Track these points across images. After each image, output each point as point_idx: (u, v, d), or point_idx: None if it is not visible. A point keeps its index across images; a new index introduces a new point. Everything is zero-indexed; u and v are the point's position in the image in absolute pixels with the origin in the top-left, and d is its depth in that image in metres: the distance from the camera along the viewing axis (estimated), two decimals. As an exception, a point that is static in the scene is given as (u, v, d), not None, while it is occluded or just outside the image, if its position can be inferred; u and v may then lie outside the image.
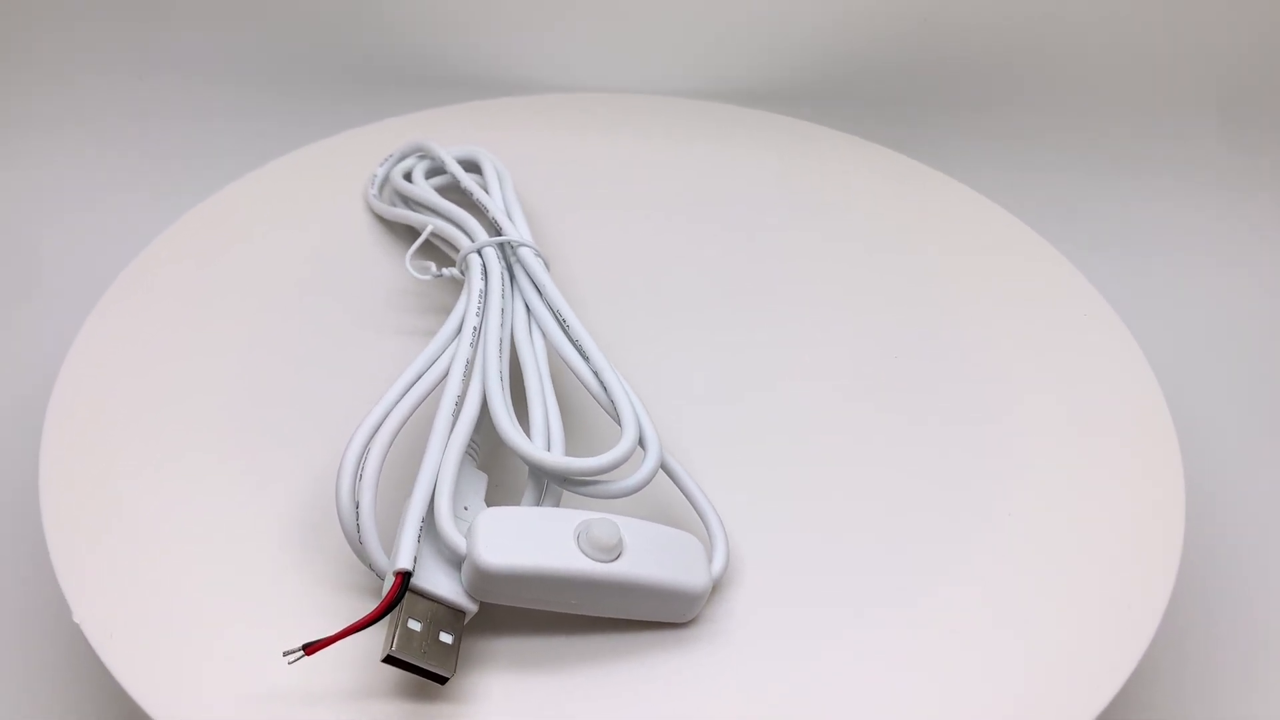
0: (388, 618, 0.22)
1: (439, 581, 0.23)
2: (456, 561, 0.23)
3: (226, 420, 0.29)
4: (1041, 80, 0.45)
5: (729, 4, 0.44)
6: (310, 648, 0.21)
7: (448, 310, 0.32)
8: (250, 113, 0.46)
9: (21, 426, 0.32)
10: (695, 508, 0.26)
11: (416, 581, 0.23)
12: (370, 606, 0.24)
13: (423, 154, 0.37)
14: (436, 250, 0.34)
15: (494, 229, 0.32)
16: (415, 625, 0.22)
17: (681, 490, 0.27)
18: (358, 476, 0.24)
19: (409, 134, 0.38)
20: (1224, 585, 0.32)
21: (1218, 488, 0.35)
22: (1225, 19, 0.42)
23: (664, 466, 0.26)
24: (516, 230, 0.32)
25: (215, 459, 0.28)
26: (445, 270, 0.31)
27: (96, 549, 0.26)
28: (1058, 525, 0.27)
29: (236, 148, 0.41)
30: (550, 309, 0.29)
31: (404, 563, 0.22)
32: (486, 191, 0.34)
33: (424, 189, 0.35)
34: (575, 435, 0.28)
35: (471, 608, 0.23)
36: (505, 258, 0.31)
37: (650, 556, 0.24)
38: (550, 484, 0.26)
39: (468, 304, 0.29)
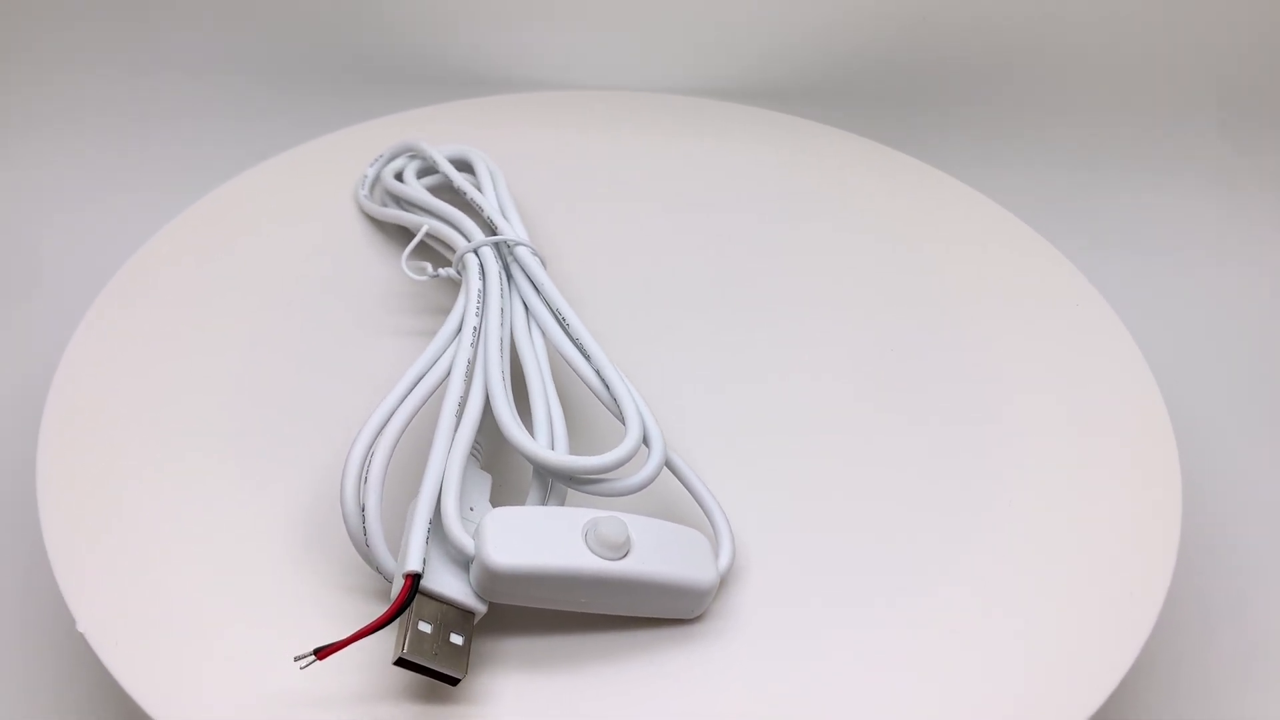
0: (397, 620, 0.22)
1: (448, 583, 0.23)
2: (464, 563, 0.23)
3: (224, 420, 0.29)
4: (1040, 78, 0.45)
5: (727, 1, 0.44)
6: (322, 652, 0.21)
7: (442, 310, 0.32)
8: (247, 112, 0.46)
9: (20, 426, 0.32)
10: (700, 504, 0.26)
11: (425, 583, 0.23)
12: (374, 608, 0.24)
13: (413, 154, 0.37)
14: (430, 250, 0.33)
15: (489, 228, 0.32)
16: (425, 627, 0.22)
17: (686, 487, 0.27)
18: (362, 479, 0.24)
19: (397, 134, 0.38)
20: (1221, 584, 0.32)
21: (1215, 485, 0.35)
22: (1225, 18, 0.42)
23: (668, 463, 0.26)
24: (512, 229, 0.32)
25: (214, 460, 0.28)
26: (442, 270, 0.31)
27: (97, 553, 0.26)
28: (1056, 524, 0.27)
29: (234, 147, 0.41)
30: (549, 308, 0.29)
31: (414, 565, 0.22)
32: (480, 191, 0.34)
33: (416, 189, 0.35)
34: (575, 433, 0.28)
35: (481, 608, 0.23)
36: (502, 257, 0.31)
37: (658, 553, 0.24)
38: (555, 483, 0.26)
39: (466, 304, 0.29)
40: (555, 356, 0.29)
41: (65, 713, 0.29)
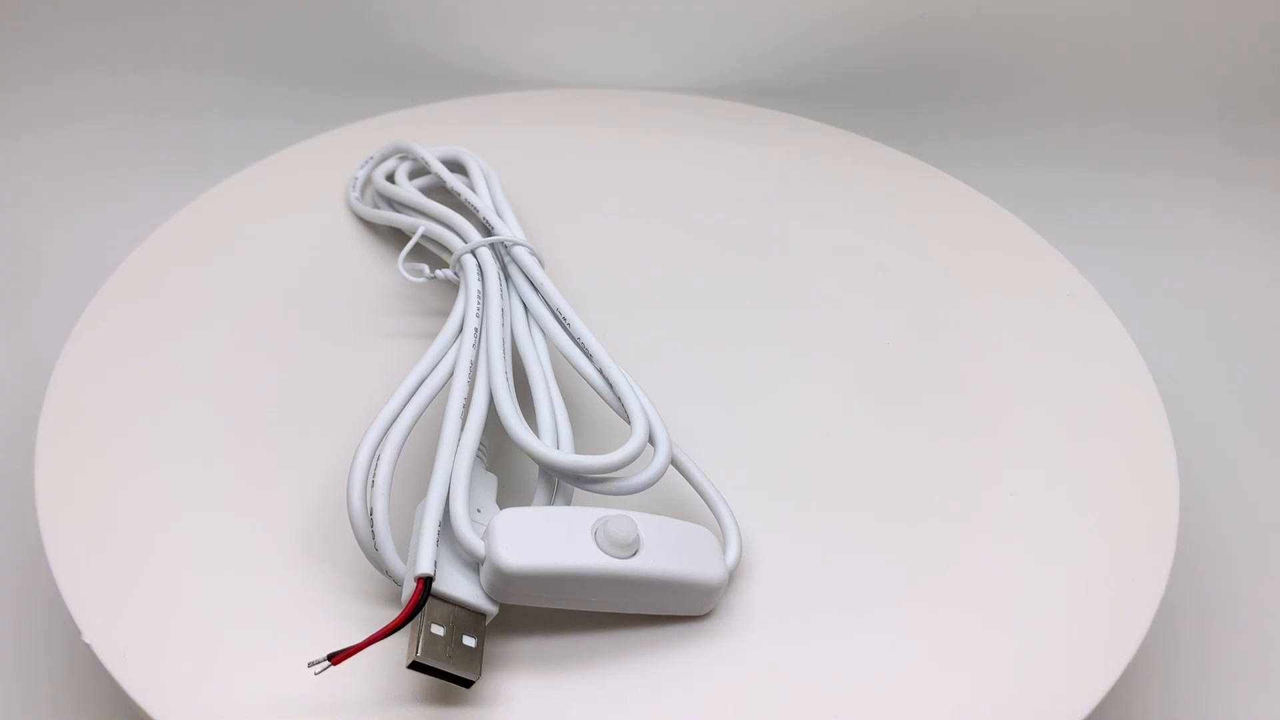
0: (410, 623, 0.22)
1: (458, 585, 0.23)
2: (474, 564, 0.23)
3: (223, 422, 0.29)
4: (1039, 77, 0.45)
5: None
6: (336, 657, 0.21)
7: (435, 311, 0.32)
8: (246, 111, 0.46)
9: (20, 427, 0.32)
10: (706, 500, 0.26)
11: (436, 586, 0.22)
12: (381, 612, 0.24)
13: (404, 155, 0.36)
14: (423, 251, 0.33)
15: (484, 229, 0.32)
16: (438, 630, 0.22)
17: (691, 483, 0.27)
18: (369, 483, 0.24)
19: (388, 134, 0.38)
20: (1219, 584, 0.33)
21: (1213, 486, 0.35)
22: (1225, 18, 0.42)
23: (673, 461, 0.26)
24: (509, 229, 0.32)
25: (214, 461, 0.28)
26: (439, 272, 0.31)
27: (98, 559, 0.25)
28: (1054, 523, 0.27)
29: (235, 146, 0.40)
30: (549, 308, 0.29)
31: (425, 568, 0.22)
32: (474, 191, 0.34)
33: (409, 190, 0.34)
34: (577, 432, 0.27)
35: (492, 610, 0.23)
36: (499, 258, 0.31)
37: (667, 551, 0.24)
38: (561, 483, 0.26)
39: (466, 305, 0.29)
40: (556, 356, 0.29)
41: (66, 714, 0.28)
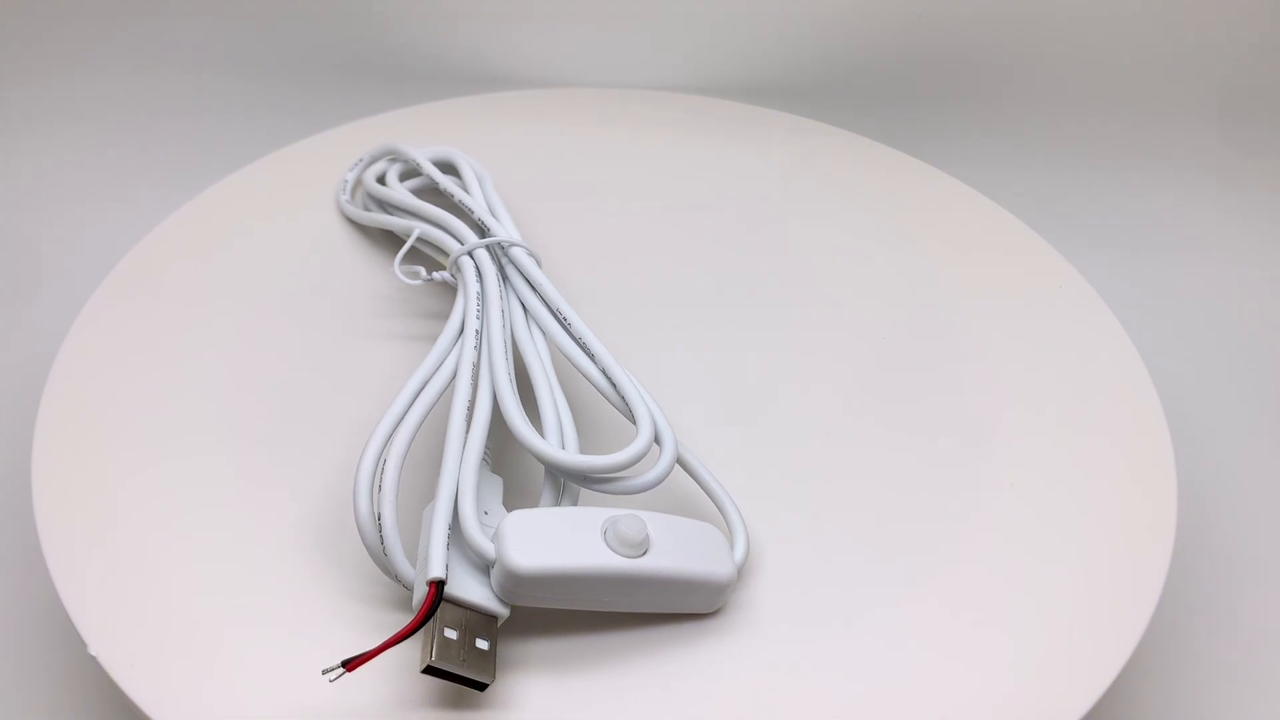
0: (423, 628, 0.22)
1: (469, 588, 0.23)
2: (484, 567, 0.23)
3: (222, 424, 0.29)
4: (1039, 77, 0.45)
5: (723, -1, 0.44)
6: (351, 663, 0.21)
7: (429, 313, 0.32)
8: (246, 110, 0.45)
9: (18, 428, 0.31)
10: (712, 498, 0.26)
11: (448, 589, 0.22)
12: (388, 615, 0.24)
13: (394, 157, 0.36)
14: (416, 253, 0.33)
15: (479, 230, 0.32)
16: (451, 634, 0.22)
17: (697, 481, 0.27)
18: (376, 488, 0.24)
19: (383, 133, 0.38)
20: (1216, 583, 0.33)
21: (1212, 486, 0.35)
22: (1225, 18, 0.42)
23: (679, 459, 0.26)
24: (505, 230, 0.32)
25: (212, 463, 0.28)
26: (436, 274, 0.31)
27: (99, 563, 0.25)
28: (1052, 522, 0.27)
29: (231, 146, 0.40)
30: (549, 308, 0.29)
31: (437, 571, 0.22)
32: (467, 192, 0.34)
33: (401, 192, 0.34)
34: (579, 432, 0.27)
35: (504, 612, 0.23)
36: (496, 259, 0.31)
37: (676, 549, 0.24)
38: (568, 483, 0.26)
39: (465, 307, 0.29)
40: (558, 356, 0.28)
41: (65, 714, 0.28)
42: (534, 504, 0.25)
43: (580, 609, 0.24)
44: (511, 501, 0.25)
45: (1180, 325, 0.40)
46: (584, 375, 0.28)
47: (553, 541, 0.23)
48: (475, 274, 0.30)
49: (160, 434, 0.28)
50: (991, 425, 0.30)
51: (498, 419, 0.26)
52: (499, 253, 0.31)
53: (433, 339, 0.28)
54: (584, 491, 0.26)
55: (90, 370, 0.30)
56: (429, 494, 0.25)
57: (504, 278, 0.30)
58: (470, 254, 0.30)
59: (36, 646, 0.29)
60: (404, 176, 0.36)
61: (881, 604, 0.25)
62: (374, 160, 0.37)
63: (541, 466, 0.26)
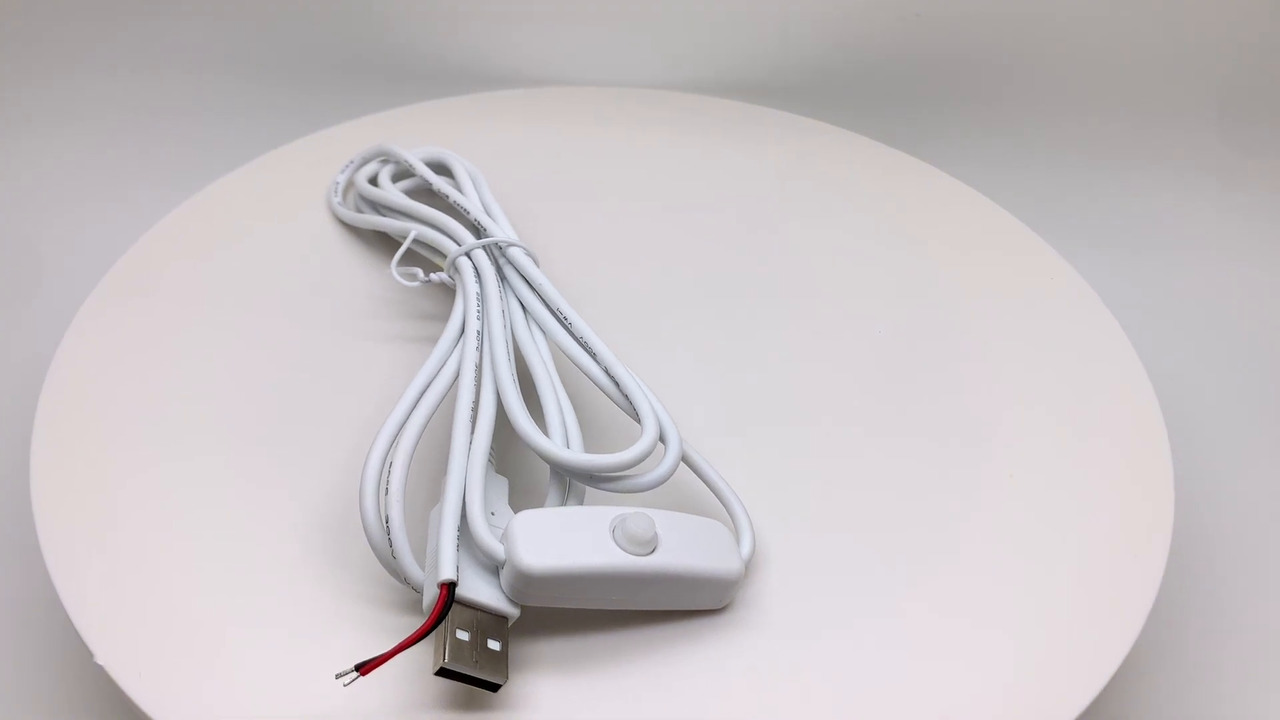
0: (435, 630, 0.22)
1: (479, 589, 0.23)
2: (492, 568, 0.23)
3: (221, 425, 0.29)
4: (1038, 77, 0.45)
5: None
6: (364, 667, 0.21)
7: (425, 314, 0.32)
8: (246, 109, 0.45)
9: (17, 428, 0.31)
10: (718, 495, 0.26)
11: (459, 590, 0.22)
12: (395, 618, 0.24)
13: (385, 158, 0.36)
14: (413, 254, 0.33)
15: (475, 230, 0.32)
16: (463, 635, 0.22)
17: (702, 479, 0.27)
18: (382, 491, 0.24)
19: (380, 132, 0.38)
20: (1213, 583, 0.33)
21: (1210, 486, 0.35)
22: (1225, 18, 0.43)
23: (684, 456, 0.26)
24: (502, 230, 0.32)
25: (211, 463, 0.27)
26: (434, 276, 0.31)
27: (97, 561, 0.25)
28: (1051, 522, 0.27)
29: (231, 146, 0.40)
30: (549, 308, 0.29)
31: (448, 573, 0.22)
32: (461, 192, 0.33)
33: (394, 193, 0.34)
34: (583, 431, 0.27)
35: (514, 612, 0.23)
36: (494, 259, 0.31)
37: (684, 546, 0.24)
38: (574, 482, 0.26)
39: (465, 308, 0.29)
40: (559, 356, 0.28)
41: (65, 714, 0.28)
42: (538, 504, 0.25)
43: (588, 608, 0.24)
44: (516, 502, 0.25)
45: (1179, 325, 0.40)
46: (586, 375, 0.28)
47: (563, 541, 0.23)
48: (474, 275, 0.30)
49: (160, 434, 0.28)
50: (991, 425, 0.30)
51: (501, 419, 0.26)
52: (496, 253, 0.31)
53: (432, 339, 0.28)
54: (590, 490, 0.26)
55: (89, 370, 0.30)
56: (432, 495, 0.25)
57: (502, 278, 0.30)
58: (468, 255, 0.30)
59: (36, 647, 0.29)
60: (396, 177, 0.35)
61: (883, 600, 0.25)
62: (365, 162, 0.36)
63: (546, 466, 0.26)
